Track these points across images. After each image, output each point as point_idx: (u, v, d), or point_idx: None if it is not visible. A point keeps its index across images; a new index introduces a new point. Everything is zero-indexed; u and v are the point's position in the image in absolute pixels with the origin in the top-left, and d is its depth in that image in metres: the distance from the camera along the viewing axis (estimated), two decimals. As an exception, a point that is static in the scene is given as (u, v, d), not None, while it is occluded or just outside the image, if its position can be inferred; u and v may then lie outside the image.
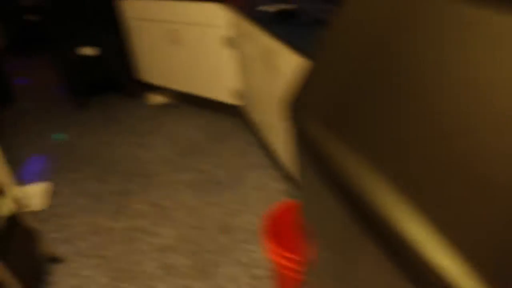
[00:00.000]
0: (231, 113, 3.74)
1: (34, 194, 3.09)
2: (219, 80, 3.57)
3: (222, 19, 3.25)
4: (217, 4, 3.23)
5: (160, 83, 4.10)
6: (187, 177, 3.05)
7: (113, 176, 3.17)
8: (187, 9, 3.45)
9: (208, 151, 3.35)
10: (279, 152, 2.82)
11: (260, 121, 3.10)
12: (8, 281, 1.86)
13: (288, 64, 2.19)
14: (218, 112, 3.85)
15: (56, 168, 3.40)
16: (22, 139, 3.95)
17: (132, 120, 4.02)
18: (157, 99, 4.25)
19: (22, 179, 3.25)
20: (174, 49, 3.71)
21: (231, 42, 3.30)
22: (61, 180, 3.22)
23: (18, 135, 4.02)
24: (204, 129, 3.69)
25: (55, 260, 2.41)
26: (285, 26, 2.26)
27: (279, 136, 2.68)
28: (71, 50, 4.19)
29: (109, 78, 4.38)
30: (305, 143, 0.96)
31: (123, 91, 4.49)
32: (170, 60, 3.82)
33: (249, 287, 2.11)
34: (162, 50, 3.83)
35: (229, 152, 3.30)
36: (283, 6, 2.40)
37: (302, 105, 0.99)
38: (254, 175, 2.96)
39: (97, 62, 4.24)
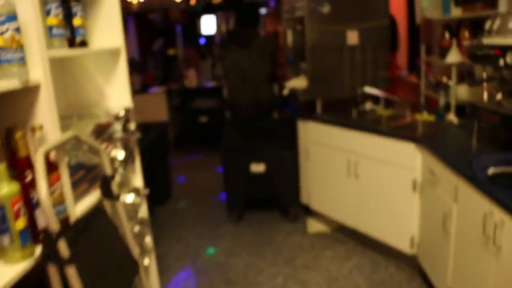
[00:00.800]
0: (398, 259, 3.26)
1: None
2: (394, 223, 3.15)
3: (412, 160, 2.91)
4: (410, 143, 2.91)
5: (325, 212, 3.79)
6: (347, 335, 2.60)
7: (264, 313, 2.84)
8: (373, 143, 3.19)
9: (372, 305, 2.88)
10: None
11: (440, 281, 2.57)
12: None
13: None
14: (383, 254, 3.40)
15: None
16: (171, 244, 3.86)
17: (288, 247, 3.72)
18: (317, 227, 3.94)
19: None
20: (349, 181, 3.42)
21: (418, 187, 2.92)
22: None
23: (167, 240, 3.94)
24: (367, 272, 3.23)
25: None
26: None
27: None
28: (239, 162, 4.15)
29: (272, 196, 4.22)
30: None
31: (283, 212, 4.28)
32: (343, 191, 3.52)
33: None
34: (336, 179, 3.57)
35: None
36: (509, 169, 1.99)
37: None
38: None
39: (264, 178, 4.13)
